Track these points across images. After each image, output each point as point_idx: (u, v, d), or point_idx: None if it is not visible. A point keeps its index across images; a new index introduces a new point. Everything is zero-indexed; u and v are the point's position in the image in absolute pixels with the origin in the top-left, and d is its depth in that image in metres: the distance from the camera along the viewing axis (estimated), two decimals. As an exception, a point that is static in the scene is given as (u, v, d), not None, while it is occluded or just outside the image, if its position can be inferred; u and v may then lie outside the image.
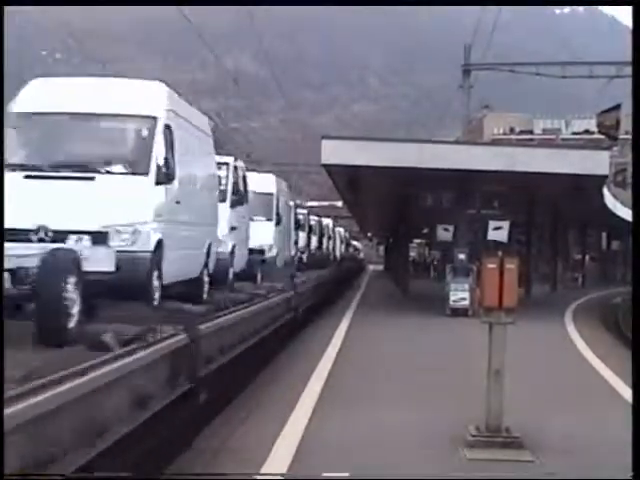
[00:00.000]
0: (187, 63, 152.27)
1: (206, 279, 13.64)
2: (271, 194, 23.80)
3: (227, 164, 17.36)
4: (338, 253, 55.94)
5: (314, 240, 39.93)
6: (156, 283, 10.65)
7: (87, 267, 8.18)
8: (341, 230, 63.52)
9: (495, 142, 52.31)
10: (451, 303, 23.20)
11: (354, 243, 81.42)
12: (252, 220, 19.42)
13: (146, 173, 10.73)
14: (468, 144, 30.42)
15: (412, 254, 52.37)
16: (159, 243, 10.62)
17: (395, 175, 23.45)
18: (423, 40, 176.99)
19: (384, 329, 19.62)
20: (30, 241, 9.49)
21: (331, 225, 50.28)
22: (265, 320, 14.35)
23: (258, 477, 7.10)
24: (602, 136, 48.15)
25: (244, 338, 12.09)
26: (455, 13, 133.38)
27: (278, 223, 23.66)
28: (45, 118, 11.13)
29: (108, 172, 10.61)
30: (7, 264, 7.72)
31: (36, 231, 9.71)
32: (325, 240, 45.95)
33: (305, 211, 35.61)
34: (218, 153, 16.93)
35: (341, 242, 61.20)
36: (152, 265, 10.43)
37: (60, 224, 9.77)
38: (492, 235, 24.63)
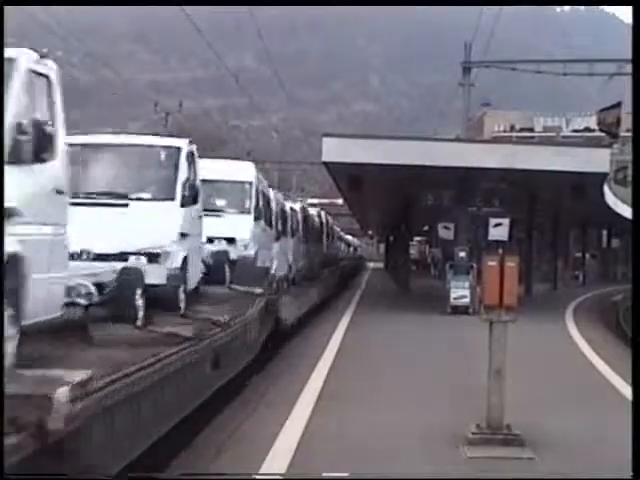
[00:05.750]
0: (188, 61, 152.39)
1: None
2: (250, 183, 18.66)
3: (179, 149, 12.82)
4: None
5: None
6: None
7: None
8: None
9: (495, 140, 52.29)
10: (452, 301, 23.20)
11: (353, 240, 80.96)
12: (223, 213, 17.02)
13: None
14: (468, 142, 30.39)
15: (412, 252, 52.16)
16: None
17: (396, 173, 23.43)
18: (424, 38, 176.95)
19: (385, 328, 19.60)
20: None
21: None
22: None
23: (258, 477, 7.09)
24: (603, 134, 48.12)
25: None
26: (456, 11, 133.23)
27: (258, 218, 18.61)
28: None
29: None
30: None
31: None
32: None
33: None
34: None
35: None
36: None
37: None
38: (493, 234, 24.61)
